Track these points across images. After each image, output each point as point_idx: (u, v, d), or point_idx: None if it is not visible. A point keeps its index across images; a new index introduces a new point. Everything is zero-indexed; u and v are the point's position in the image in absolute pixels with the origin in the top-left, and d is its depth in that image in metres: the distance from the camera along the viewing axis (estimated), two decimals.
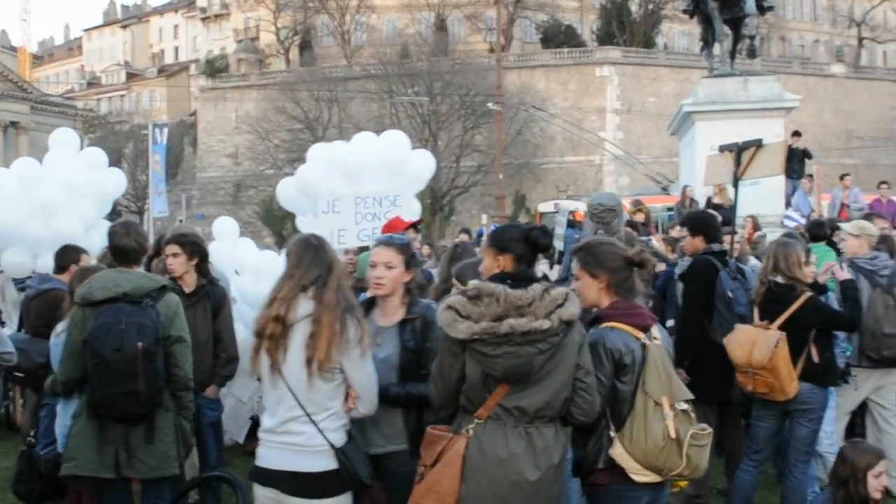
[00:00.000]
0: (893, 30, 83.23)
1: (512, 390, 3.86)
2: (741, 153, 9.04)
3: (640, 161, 43.04)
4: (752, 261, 9.70)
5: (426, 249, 15.54)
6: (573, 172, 63.15)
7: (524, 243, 4.10)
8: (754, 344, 6.02)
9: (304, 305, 4.12)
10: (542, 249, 4.16)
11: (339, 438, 4.18)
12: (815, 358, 6.14)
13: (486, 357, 3.80)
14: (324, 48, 76.18)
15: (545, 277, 4.39)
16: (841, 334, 6.77)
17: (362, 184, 9.09)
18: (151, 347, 4.84)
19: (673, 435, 4.10)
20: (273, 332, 4.10)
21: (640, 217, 14.04)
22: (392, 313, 4.58)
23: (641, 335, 4.25)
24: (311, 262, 4.21)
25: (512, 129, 55.71)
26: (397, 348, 4.49)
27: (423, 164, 9.97)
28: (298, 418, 4.12)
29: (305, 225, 9.68)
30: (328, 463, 4.12)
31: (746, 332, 6.17)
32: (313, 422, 4.11)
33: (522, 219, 50.23)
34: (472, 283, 4.01)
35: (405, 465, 4.28)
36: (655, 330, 4.36)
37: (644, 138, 58.15)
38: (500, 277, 3.99)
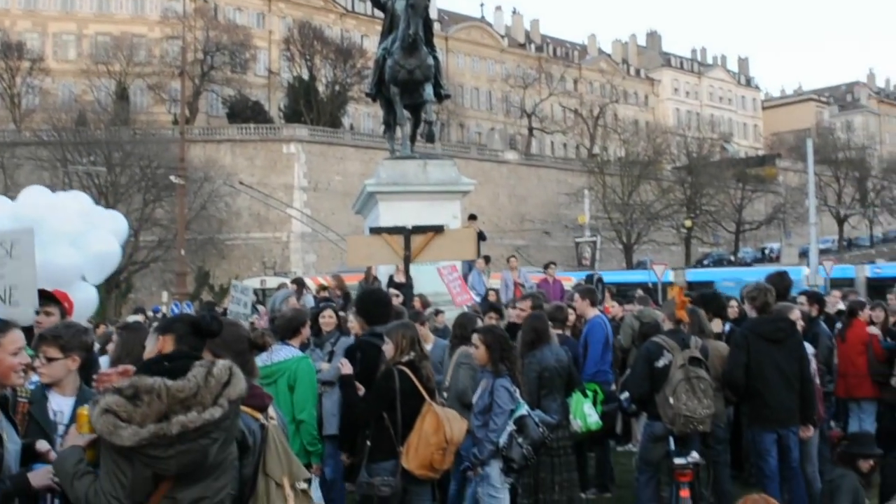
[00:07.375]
0: (559, 122, 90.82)
1: (180, 481, 3.45)
2: (409, 237, 9.12)
3: (328, 238, 43.11)
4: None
5: (100, 328, 14.39)
6: (259, 249, 62.47)
7: (188, 325, 3.94)
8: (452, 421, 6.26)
9: None
10: (209, 334, 3.96)
11: None
12: None
13: (158, 459, 3.35)
14: None
15: None
16: None
17: None
18: None
19: None
20: None
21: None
22: None
23: (260, 416, 4.20)
24: None
25: (196, 204, 54.27)
26: None
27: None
28: None
29: None
30: None
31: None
32: None
33: (205, 296, 48.71)
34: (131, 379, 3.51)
35: None
36: (272, 410, 4.36)
37: (332, 216, 58.57)
38: (155, 361, 3.70)
